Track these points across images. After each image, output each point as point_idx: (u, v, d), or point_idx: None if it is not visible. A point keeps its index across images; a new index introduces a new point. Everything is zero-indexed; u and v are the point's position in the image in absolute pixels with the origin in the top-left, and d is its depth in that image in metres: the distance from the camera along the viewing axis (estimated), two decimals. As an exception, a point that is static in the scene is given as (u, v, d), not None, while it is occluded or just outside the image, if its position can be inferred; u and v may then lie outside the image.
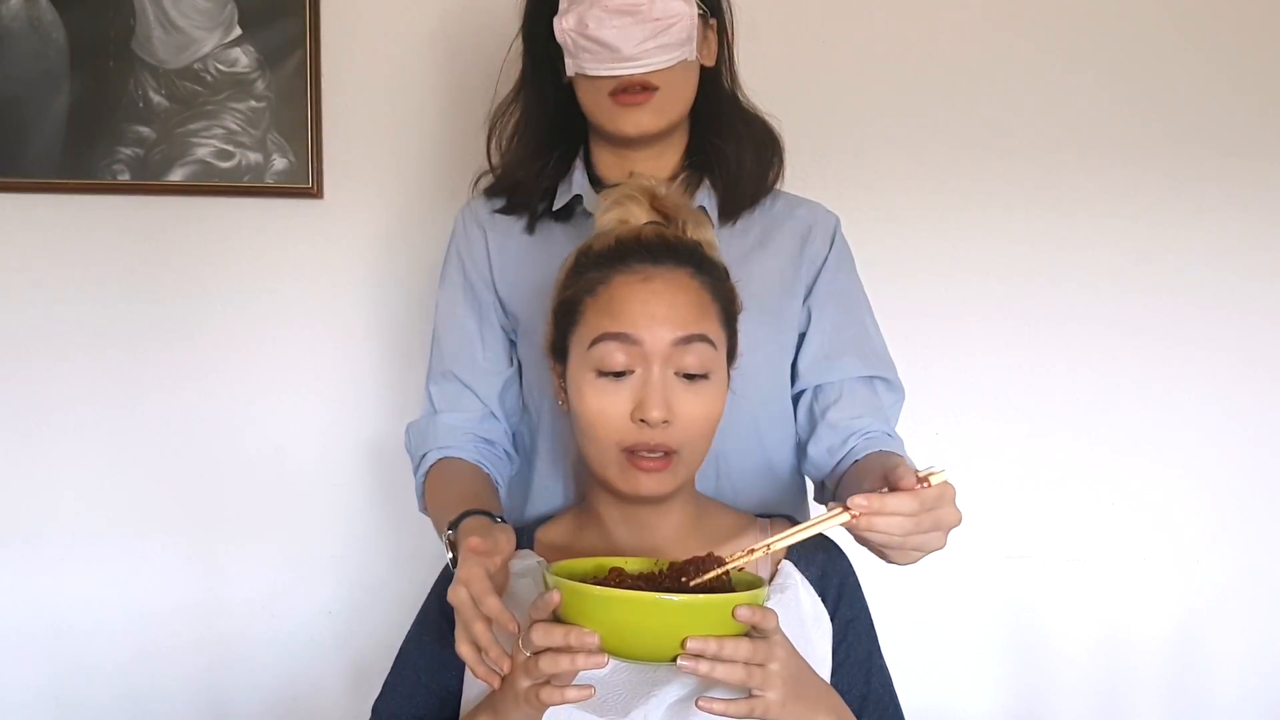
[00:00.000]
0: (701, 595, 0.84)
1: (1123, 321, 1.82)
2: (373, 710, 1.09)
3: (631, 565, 0.97)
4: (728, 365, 1.05)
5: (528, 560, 1.08)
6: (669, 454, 0.99)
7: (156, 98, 1.72)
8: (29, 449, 1.76)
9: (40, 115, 1.70)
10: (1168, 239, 1.82)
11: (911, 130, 1.80)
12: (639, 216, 1.05)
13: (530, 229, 1.26)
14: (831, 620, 1.05)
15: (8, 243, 1.74)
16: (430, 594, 1.13)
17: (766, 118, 1.27)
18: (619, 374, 0.99)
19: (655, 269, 1.00)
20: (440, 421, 1.24)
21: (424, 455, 1.22)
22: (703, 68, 1.21)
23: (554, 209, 1.25)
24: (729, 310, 1.05)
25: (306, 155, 1.73)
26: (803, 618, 1.02)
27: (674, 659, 0.83)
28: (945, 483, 0.91)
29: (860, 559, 1.10)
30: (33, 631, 1.76)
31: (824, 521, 0.90)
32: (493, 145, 1.29)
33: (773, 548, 0.91)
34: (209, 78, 1.72)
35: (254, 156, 1.73)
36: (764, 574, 1.06)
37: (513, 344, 1.29)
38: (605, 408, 0.99)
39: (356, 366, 1.80)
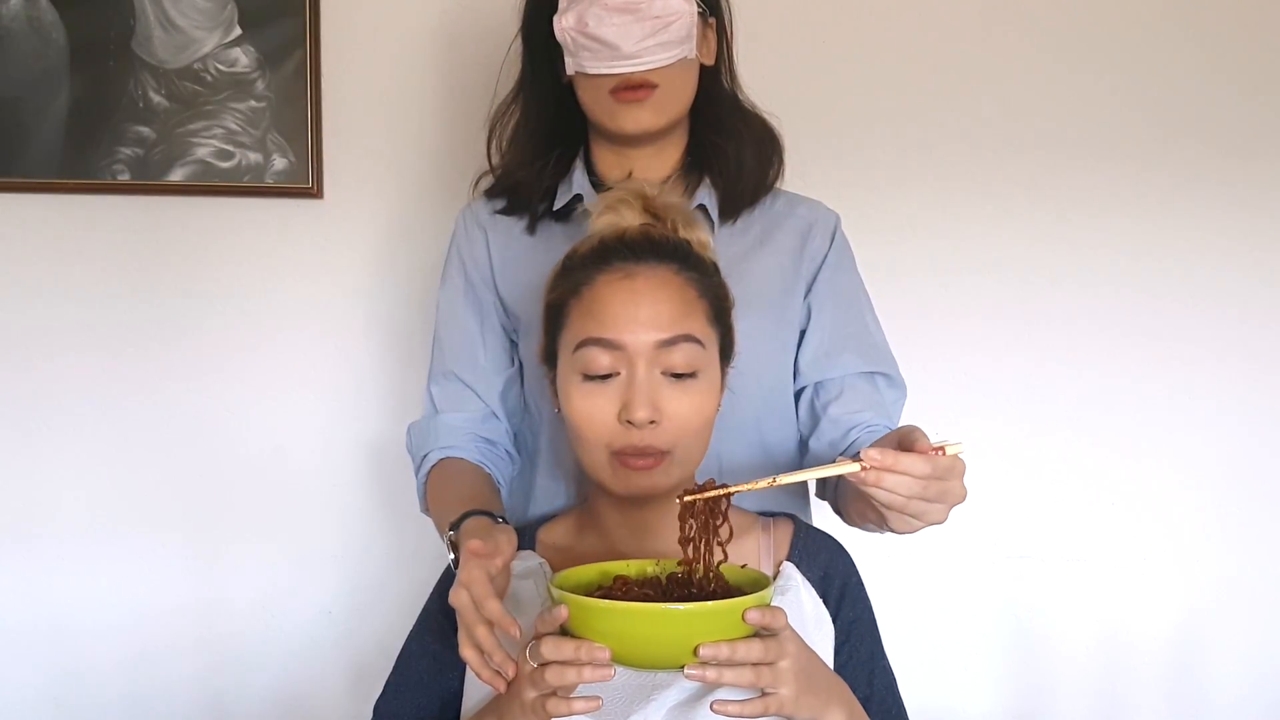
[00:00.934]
0: (709, 602, 0.84)
1: (1123, 321, 1.82)
2: (374, 710, 1.08)
3: (635, 569, 0.96)
4: (722, 363, 1.04)
5: (529, 562, 1.07)
6: (660, 454, 0.99)
7: (156, 98, 1.72)
8: (29, 449, 1.76)
9: (40, 115, 1.70)
10: (1168, 239, 1.82)
11: (911, 130, 1.80)
12: (632, 220, 1.05)
13: (531, 229, 1.26)
14: (834, 622, 1.04)
15: (8, 243, 1.74)
16: (432, 594, 1.13)
17: (766, 116, 1.27)
18: (605, 376, 0.99)
19: (638, 266, 1.00)
20: (441, 421, 1.24)
21: (425, 455, 1.23)
22: (702, 66, 1.21)
23: (554, 209, 1.25)
24: (719, 307, 1.04)
25: (306, 155, 1.73)
26: (804, 620, 1.01)
27: (684, 666, 0.83)
28: (958, 457, 0.90)
29: (860, 560, 1.10)
30: (33, 631, 1.76)
31: (834, 467, 0.88)
32: (493, 146, 1.29)
33: (778, 481, 0.89)
34: (209, 78, 1.72)
35: (254, 156, 1.73)
36: (767, 569, 1.05)
37: (514, 344, 1.29)
38: (592, 411, 0.99)
39: (356, 366, 1.80)
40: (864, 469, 0.86)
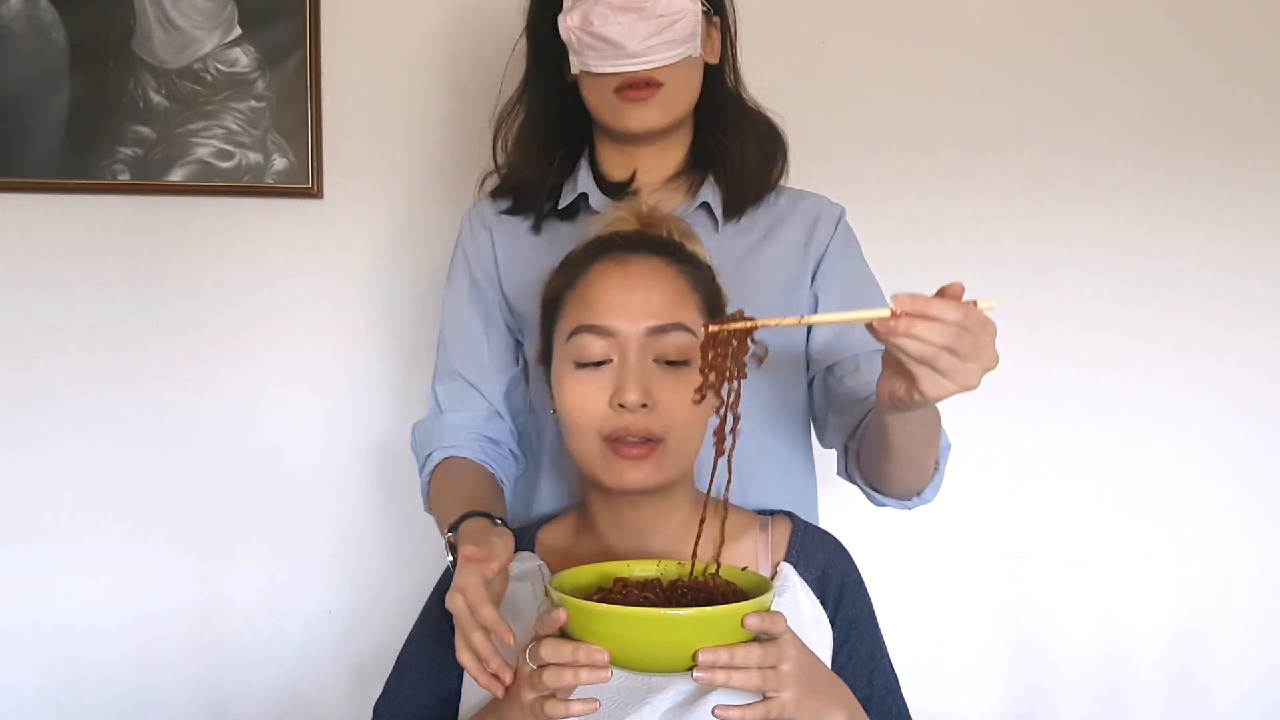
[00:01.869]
0: (708, 608, 0.84)
1: (1122, 322, 1.82)
2: (374, 711, 1.08)
3: (635, 570, 0.96)
4: None
5: (528, 563, 1.07)
6: (652, 441, 0.98)
7: (156, 98, 1.72)
8: (29, 449, 1.76)
9: (40, 115, 1.70)
10: (1167, 239, 1.82)
11: (912, 130, 1.80)
12: (628, 227, 1.07)
13: (536, 229, 1.26)
14: (832, 623, 1.04)
15: (8, 243, 1.74)
16: (432, 594, 1.13)
17: (770, 115, 1.27)
18: (598, 364, 0.99)
19: (631, 256, 1.01)
20: (445, 421, 1.24)
21: (429, 454, 1.23)
22: (706, 65, 1.22)
23: (559, 208, 1.25)
24: (712, 301, 1.05)
25: (306, 155, 1.73)
26: (801, 621, 1.01)
27: (684, 670, 0.83)
28: (989, 317, 0.85)
29: (860, 560, 1.10)
30: (32, 631, 1.76)
31: (862, 315, 0.84)
32: (498, 146, 1.29)
33: (804, 321, 0.88)
34: (209, 78, 1.72)
35: (254, 156, 1.73)
36: (765, 570, 1.05)
37: (518, 344, 1.29)
38: (583, 397, 0.99)
39: (356, 366, 1.80)
40: (894, 315, 0.82)
